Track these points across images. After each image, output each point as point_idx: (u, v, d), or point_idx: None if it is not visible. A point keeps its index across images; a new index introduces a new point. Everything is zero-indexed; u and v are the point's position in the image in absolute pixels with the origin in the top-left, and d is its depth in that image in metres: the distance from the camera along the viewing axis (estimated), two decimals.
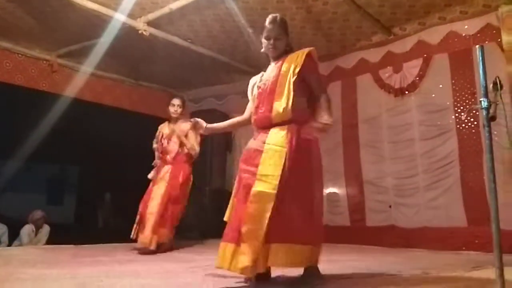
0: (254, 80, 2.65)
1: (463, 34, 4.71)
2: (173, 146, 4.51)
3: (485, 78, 1.71)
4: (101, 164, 8.46)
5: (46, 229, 6.13)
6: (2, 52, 5.68)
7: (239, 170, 2.41)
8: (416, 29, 5.10)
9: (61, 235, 5.70)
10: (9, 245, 5.91)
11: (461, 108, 4.67)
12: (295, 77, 2.34)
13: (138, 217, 4.43)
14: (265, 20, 2.54)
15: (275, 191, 2.14)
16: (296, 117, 2.33)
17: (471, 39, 4.62)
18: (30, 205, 6.97)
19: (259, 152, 2.31)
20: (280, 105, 2.32)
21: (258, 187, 2.19)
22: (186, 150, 4.53)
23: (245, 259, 2.07)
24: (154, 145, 4.69)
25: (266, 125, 2.39)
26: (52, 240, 5.77)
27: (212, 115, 6.97)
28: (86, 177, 10.71)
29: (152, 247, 4.17)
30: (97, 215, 8.60)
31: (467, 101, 4.64)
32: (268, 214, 2.11)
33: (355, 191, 5.49)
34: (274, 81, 2.41)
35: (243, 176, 2.32)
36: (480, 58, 1.75)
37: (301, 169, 2.24)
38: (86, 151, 8.58)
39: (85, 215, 9.74)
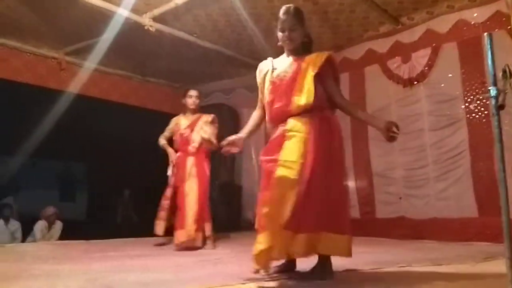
0: (265, 67, 2.51)
1: (472, 22, 4.64)
2: (197, 136, 4.40)
3: (493, 66, 1.68)
4: (111, 161, 8.51)
5: (58, 225, 6.22)
6: (11, 51, 5.73)
7: (261, 163, 2.35)
8: (424, 18, 5.03)
9: (74, 231, 5.77)
10: (23, 241, 6.01)
11: (471, 97, 4.61)
12: (314, 74, 2.27)
13: (163, 213, 4.33)
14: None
15: (296, 177, 2.09)
16: (316, 105, 2.27)
17: (481, 27, 4.54)
18: (43, 202, 7.05)
19: (281, 138, 2.26)
20: (300, 99, 2.26)
21: (279, 172, 2.13)
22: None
23: (259, 246, 2.04)
24: (163, 142, 4.54)
25: (284, 118, 2.31)
26: (66, 236, 5.84)
27: (219, 110, 6.98)
28: (95, 174, 10.79)
29: (198, 243, 4.13)
30: (116, 211, 8.68)
31: (477, 90, 4.58)
32: (290, 201, 2.05)
33: (365, 183, 5.46)
34: (293, 77, 2.33)
35: (265, 166, 2.27)
36: (489, 45, 1.71)
37: (324, 156, 2.19)
38: (95, 148, 8.63)
39: (97, 211, 9.84)
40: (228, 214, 6.45)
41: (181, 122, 4.54)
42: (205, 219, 4.28)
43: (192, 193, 4.25)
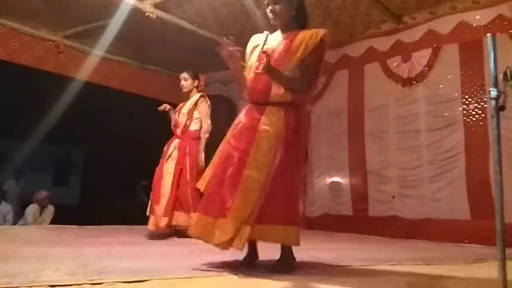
0: (258, 41, 2.45)
1: (474, 25, 4.63)
2: (182, 118, 4.27)
3: (495, 68, 1.68)
4: (107, 147, 8.48)
5: (50, 209, 6.20)
6: (9, 31, 5.66)
7: (226, 142, 2.32)
8: (427, 18, 5.02)
9: (67, 216, 5.75)
10: (14, 224, 5.99)
11: (469, 99, 4.62)
12: (302, 61, 2.22)
13: (151, 193, 4.21)
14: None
15: (263, 176, 2.13)
16: (294, 99, 2.25)
17: (482, 30, 4.53)
18: (37, 186, 7.04)
19: (252, 130, 2.24)
20: (279, 92, 2.23)
21: (249, 170, 2.15)
22: (196, 127, 4.27)
23: (221, 234, 2.09)
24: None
25: (262, 101, 2.28)
26: (58, 220, 5.81)
27: (217, 101, 6.95)
28: (91, 159, 10.77)
29: (162, 230, 3.96)
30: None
31: (475, 92, 4.58)
32: (255, 198, 2.10)
33: (359, 180, 5.47)
34: (280, 58, 2.26)
35: (232, 153, 2.24)
36: (492, 47, 1.71)
37: (292, 153, 2.21)
38: (92, 133, 8.60)
39: (90, 196, 9.82)
40: None
41: (180, 105, 4.44)
42: (176, 207, 4.04)
43: (168, 176, 4.09)
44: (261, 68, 2.20)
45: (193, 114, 4.28)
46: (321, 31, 2.26)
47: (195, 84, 4.36)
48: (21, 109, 7.42)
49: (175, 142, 4.26)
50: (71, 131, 8.77)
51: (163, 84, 7.22)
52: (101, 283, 1.74)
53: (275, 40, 2.37)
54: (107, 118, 7.57)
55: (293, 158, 2.22)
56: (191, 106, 4.27)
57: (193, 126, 4.29)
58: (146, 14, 4.91)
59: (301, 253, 2.41)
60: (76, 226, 4.84)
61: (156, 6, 4.94)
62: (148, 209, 4.18)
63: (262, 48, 2.35)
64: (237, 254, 2.29)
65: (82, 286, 1.71)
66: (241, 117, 2.36)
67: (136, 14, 4.98)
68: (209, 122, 4.28)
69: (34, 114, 6.67)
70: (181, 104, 4.46)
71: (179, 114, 4.33)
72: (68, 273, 1.93)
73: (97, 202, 8.71)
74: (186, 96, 4.44)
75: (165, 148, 4.32)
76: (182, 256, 2.81)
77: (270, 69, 2.17)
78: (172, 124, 4.39)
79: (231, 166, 2.21)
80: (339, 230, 5.16)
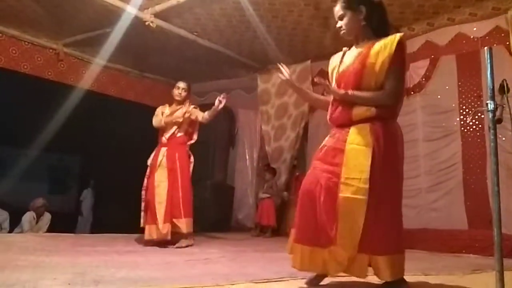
0: (335, 61, 2.28)
1: (472, 36, 4.68)
2: (172, 127, 4.36)
3: (492, 80, 1.69)
4: (105, 154, 8.46)
5: (47, 217, 6.16)
6: (9, 39, 5.69)
7: (313, 167, 2.14)
8: (425, 29, 5.07)
9: (63, 224, 5.73)
10: (10, 231, 5.95)
11: (466, 110, 4.65)
12: (383, 73, 2.02)
13: (143, 204, 4.26)
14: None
15: (365, 197, 1.92)
16: (380, 113, 2.05)
17: (479, 42, 4.58)
18: (33, 194, 7.00)
19: (339, 150, 2.05)
20: (360, 110, 2.05)
21: (345, 192, 1.96)
22: (181, 133, 4.38)
23: (333, 262, 1.97)
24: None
25: (345, 124, 2.10)
26: (54, 228, 5.78)
27: None
28: (88, 167, 10.73)
29: (165, 237, 4.00)
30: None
31: (472, 103, 4.62)
32: (361, 221, 1.92)
33: None
34: (357, 73, 2.08)
35: (322, 176, 2.05)
36: (488, 59, 1.73)
37: (390, 170, 2.01)
38: (90, 141, 8.58)
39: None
40: (219, 214, 6.44)
41: (164, 110, 4.51)
42: (183, 215, 4.08)
43: (162, 185, 4.13)
44: (333, 94, 2.13)
45: (185, 121, 4.38)
46: (397, 36, 2.05)
47: (187, 97, 4.49)
48: (20, 117, 7.41)
49: (163, 150, 4.31)
50: (69, 139, 8.74)
51: (162, 92, 7.24)
52: None
53: (350, 57, 2.19)
54: (106, 126, 7.57)
55: (391, 174, 2.03)
56: (187, 118, 4.36)
57: (179, 133, 4.40)
58: (146, 23, 4.95)
59: None
60: (72, 234, 4.81)
61: (156, 15, 4.97)
62: (142, 220, 4.23)
63: (338, 69, 2.21)
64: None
65: None
66: (326, 141, 2.18)
67: (136, 23, 5.01)
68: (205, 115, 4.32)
69: (32, 122, 6.66)
70: (166, 111, 4.47)
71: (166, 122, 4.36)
72: (65, 283, 1.92)
73: (95, 210, 8.68)
74: (170, 101, 4.53)
75: (151, 159, 4.38)
76: (179, 266, 2.79)
77: (340, 95, 2.09)
78: (159, 130, 4.42)
79: (322, 189, 2.03)
80: None
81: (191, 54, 6.14)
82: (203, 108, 4.72)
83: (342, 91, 2.08)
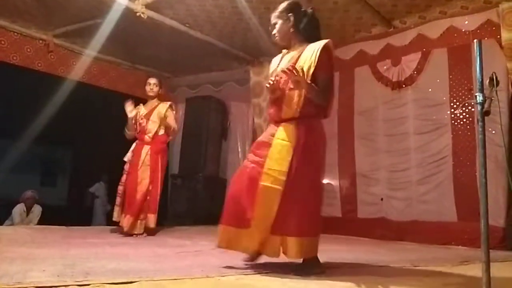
0: (274, 64, 2.61)
1: (463, 30, 4.69)
2: (152, 125, 4.52)
3: (481, 73, 1.70)
4: (95, 147, 8.42)
5: (37, 209, 6.13)
6: None
7: (246, 158, 2.48)
8: (416, 22, 5.07)
9: (55, 217, 5.69)
10: (1, 224, 5.90)
11: (457, 103, 4.67)
12: (309, 76, 2.31)
13: (119, 199, 4.48)
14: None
15: (281, 188, 2.22)
16: (305, 113, 2.35)
17: (471, 35, 4.59)
18: (25, 186, 6.96)
19: (266, 144, 2.37)
20: (287, 111, 2.37)
21: (265, 181, 2.26)
22: (163, 131, 4.59)
23: (249, 242, 2.26)
24: (128, 132, 4.62)
25: (277, 120, 2.43)
26: (46, 221, 5.74)
27: (208, 102, 6.96)
28: (79, 159, 10.68)
29: (139, 231, 4.27)
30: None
31: (463, 97, 4.63)
32: (275, 208, 2.21)
33: (348, 182, 5.50)
34: (285, 81, 2.40)
35: (249, 166, 2.37)
36: (478, 52, 1.74)
37: (308, 164, 2.28)
38: (81, 133, 8.54)
39: (78, 197, 9.73)
40: (211, 207, 6.43)
41: (141, 110, 4.64)
42: (151, 210, 4.36)
43: (143, 182, 4.36)
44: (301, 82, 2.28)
45: (163, 122, 4.58)
46: (322, 42, 2.35)
47: (160, 92, 4.67)
48: (9, 108, 7.34)
49: (146, 148, 4.48)
50: (59, 131, 8.69)
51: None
52: (88, 285, 1.73)
53: (284, 61, 2.51)
54: (96, 118, 7.52)
55: (308, 168, 2.29)
56: (162, 116, 4.55)
57: (161, 131, 4.60)
58: (137, 14, 4.89)
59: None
60: (63, 227, 4.79)
61: (147, 6, 4.91)
62: (116, 214, 4.47)
63: (276, 70, 2.51)
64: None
65: (69, 287, 1.70)
66: (261, 136, 2.53)
67: (127, 14, 4.95)
68: (176, 126, 4.78)
69: (22, 114, 6.61)
70: (140, 108, 4.65)
71: (147, 121, 4.53)
72: (54, 274, 1.92)
73: (85, 202, 8.65)
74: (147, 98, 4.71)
75: (131, 155, 4.56)
76: (170, 258, 2.80)
77: (305, 85, 2.28)
78: (137, 130, 4.58)
79: (247, 178, 2.34)
80: (328, 231, 5.15)
81: (183, 46, 6.08)
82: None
83: (308, 81, 2.29)
